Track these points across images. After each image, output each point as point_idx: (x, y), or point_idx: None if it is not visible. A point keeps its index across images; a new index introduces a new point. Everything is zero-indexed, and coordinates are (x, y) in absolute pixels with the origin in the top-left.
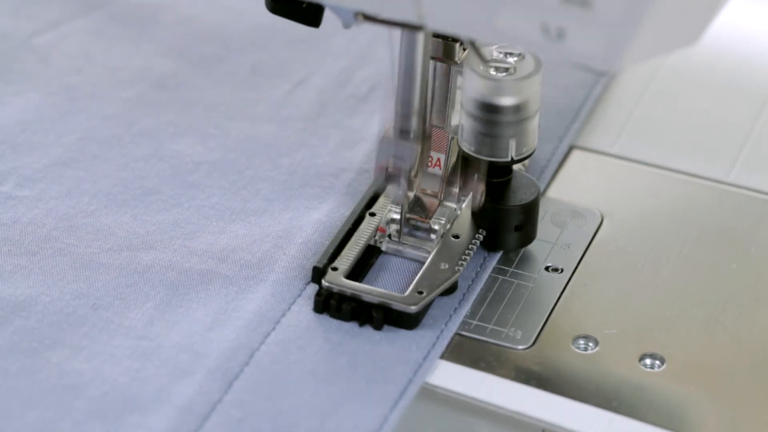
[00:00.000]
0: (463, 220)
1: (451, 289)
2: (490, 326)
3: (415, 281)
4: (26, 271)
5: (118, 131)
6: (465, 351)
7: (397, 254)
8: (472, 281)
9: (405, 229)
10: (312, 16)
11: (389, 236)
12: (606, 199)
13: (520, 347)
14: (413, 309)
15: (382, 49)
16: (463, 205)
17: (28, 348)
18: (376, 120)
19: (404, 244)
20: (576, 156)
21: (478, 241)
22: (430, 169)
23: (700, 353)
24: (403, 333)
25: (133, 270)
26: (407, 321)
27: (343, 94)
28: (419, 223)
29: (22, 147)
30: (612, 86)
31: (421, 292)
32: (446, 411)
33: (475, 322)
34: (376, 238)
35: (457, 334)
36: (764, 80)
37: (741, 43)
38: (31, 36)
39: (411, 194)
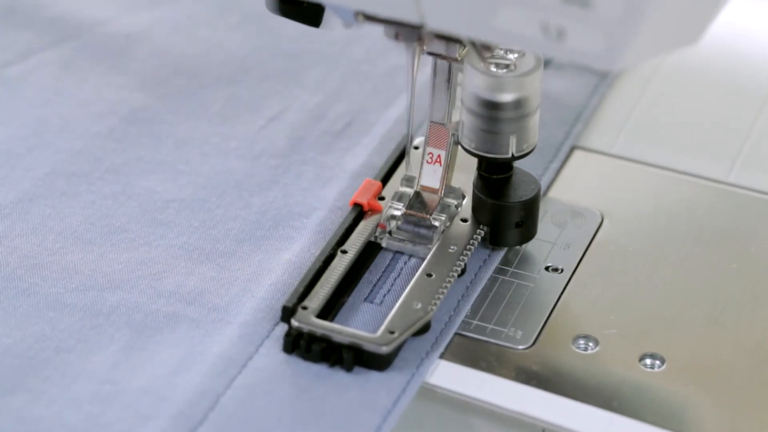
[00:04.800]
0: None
1: (424, 329)
2: (490, 326)
3: (387, 320)
4: None
5: (87, 167)
6: (465, 351)
7: (398, 251)
8: (454, 310)
9: (405, 226)
10: (312, 16)
11: (389, 233)
12: (606, 199)
13: (520, 347)
14: (384, 350)
15: (357, 85)
16: (464, 202)
17: None
18: (350, 156)
19: (403, 240)
20: (576, 156)
21: (455, 275)
22: (431, 166)
23: (700, 353)
24: (373, 377)
25: (98, 311)
26: (378, 362)
27: (318, 129)
28: (419, 220)
29: None
30: (612, 86)
31: (392, 332)
32: (446, 411)
33: (475, 322)
34: (377, 234)
35: (457, 333)
36: (764, 80)
37: (741, 43)
38: (1, 67)
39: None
